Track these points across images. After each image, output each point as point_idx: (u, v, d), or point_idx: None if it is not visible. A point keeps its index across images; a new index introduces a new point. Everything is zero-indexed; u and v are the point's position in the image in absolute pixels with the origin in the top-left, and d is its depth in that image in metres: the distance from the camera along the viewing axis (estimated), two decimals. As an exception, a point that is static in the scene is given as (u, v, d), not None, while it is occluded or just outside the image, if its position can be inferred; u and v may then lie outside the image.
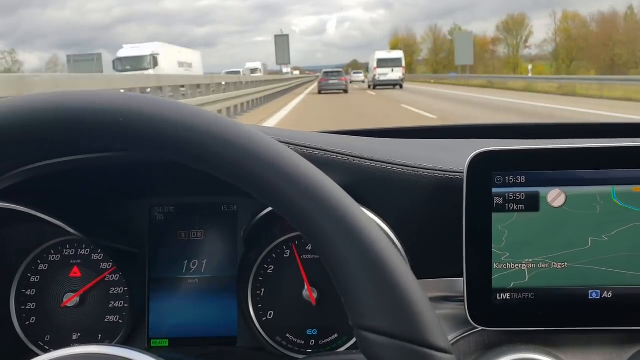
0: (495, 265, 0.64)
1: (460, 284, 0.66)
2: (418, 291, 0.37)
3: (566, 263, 0.64)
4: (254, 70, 70.34)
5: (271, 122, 12.08)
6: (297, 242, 0.80)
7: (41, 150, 0.60)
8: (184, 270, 0.81)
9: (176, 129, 0.38)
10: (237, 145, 0.38)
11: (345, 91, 29.96)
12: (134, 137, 0.39)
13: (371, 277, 0.36)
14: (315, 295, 0.77)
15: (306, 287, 0.77)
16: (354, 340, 0.78)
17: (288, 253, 0.79)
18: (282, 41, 72.05)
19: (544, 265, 0.64)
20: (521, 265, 0.64)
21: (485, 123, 1.09)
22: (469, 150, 0.64)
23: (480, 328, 0.65)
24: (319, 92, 29.48)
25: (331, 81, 30.57)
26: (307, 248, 0.79)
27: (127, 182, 0.79)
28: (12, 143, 0.38)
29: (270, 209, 0.71)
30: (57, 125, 0.38)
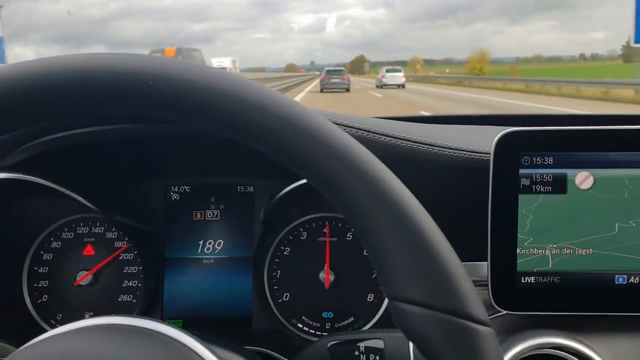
0: (518, 250, 0.63)
1: (483, 268, 0.65)
2: (457, 263, 0.36)
3: (591, 249, 0.63)
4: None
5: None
6: (313, 225, 0.79)
7: (61, 118, 0.59)
8: (199, 251, 0.80)
9: (220, 99, 0.37)
10: (277, 114, 0.37)
11: (347, 90, 30.11)
12: (164, 104, 0.37)
13: (409, 247, 0.35)
14: (331, 278, 0.76)
15: (325, 269, 0.76)
16: (370, 324, 0.77)
17: (305, 235, 0.79)
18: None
19: (568, 251, 0.63)
20: (545, 251, 0.63)
21: (511, 113, 1.08)
22: (496, 133, 0.62)
23: (504, 312, 0.64)
24: (321, 91, 29.61)
25: (333, 80, 30.73)
26: (324, 231, 0.79)
27: (143, 160, 0.78)
28: (30, 107, 0.37)
29: (287, 190, 0.70)
30: (76, 88, 0.36)
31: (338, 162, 0.36)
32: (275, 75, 35.06)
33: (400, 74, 35.95)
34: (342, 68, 36.44)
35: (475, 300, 0.35)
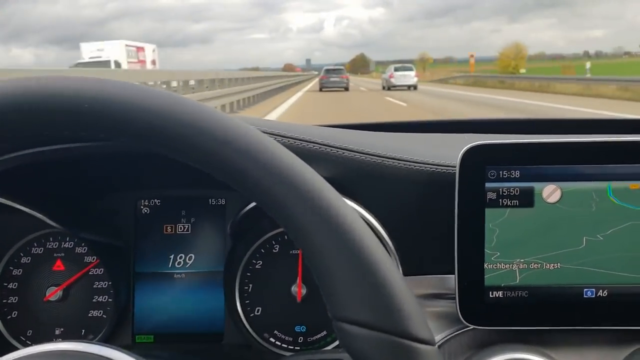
0: (485, 265, 0.63)
1: (451, 281, 0.64)
2: (399, 282, 0.35)
3: (559, 264, 0.63)
4: (101, 63, 32.34)
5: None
6: (285, 237, 0.78)
7: (18, 139, 0.58)
8: (170, 265, 0.79)
9: (148, 116, 0.36)
10: (212, 133, 0.37)
11: (346, 89, 30.24)
12: (101, 125, 0.37)
13: (350, 268, 0.35)
14: (304, 291, 0.75)
15: (297, 282, 0.75)
16: None
17: (277, 248, 0.78)
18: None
19: (535, 265, 0.63)
20: (512, 266, 0.63)
21: (480, 118, 1.08)
22: (462, 144, 0.62)
23: (472, 327, 0.64)
24: (320, 90, 29.86)
25: (332, 79, 30.89)
26: (296, 243, 0.78)
27: (111, 174, 0.77)
28: None
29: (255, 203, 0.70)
30: (17, 113, 0.36)
31: (276, 180, 0.36)
32: (268, 75, 31.03)
33: (412, 73, 31.70)
34: (342, 67, 36.23)
35: (418, 319, 0.35)
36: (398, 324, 0.34)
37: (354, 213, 0.37)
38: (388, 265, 0.35)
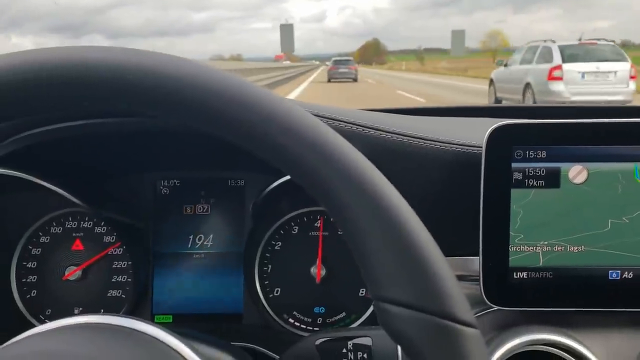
0: (509, 247, 0.62)
1: (475, 262, 0.64)
2: (443, 263, 0.35)
3: (583, 246, 0.62)
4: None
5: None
6: (305, 219, 0.78)
7: (45, 112, 0.58)
8: (189, 245, 0.79)
9: (193, 91, 0.36)
10: (257, 109, 0.36)
11: (355, 80, 29.98)
12: (143, 99, 0.36)
13: (394, 247, 0.34)
14: (323, 273, 0.75)
15: (317, 264, 0.75)
16: (361, 319, 0.76)
17: (296, 229, 0.78)
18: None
19: (559, 248, 0.62)
20: (535, 248, 0.62)
21: (507, 105, 1.07)
22: (488, 126, 0.61)
23: (495, 307, 0.64)
24: (329, 81, 29.60)
25: (341, 70, 30.76)
26: (315, 225, 0.78)
27: (132, 154, 0.77)
28: (6, 101, 0.36)
29: (277, 184, 0.69)
30: (54, 82, 0.35)
31: (321, 159, 0.35)
32: (249, 67, 22.20)
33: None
34: (350, 58, 35.84)
35: (460, 301, 0.35)
36: (441, 305, 0.34)
37: (397, 194, 0.36)
38: (432, 246, 0.35)
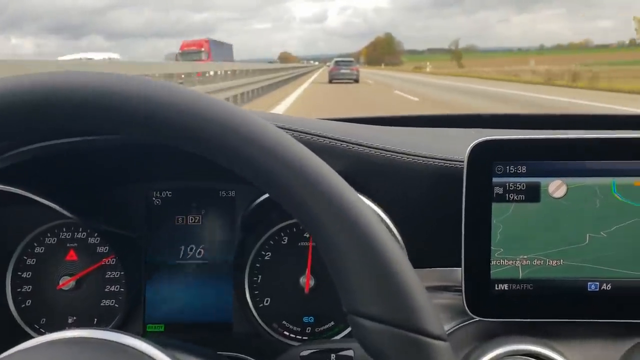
0: (490, 261, 0.64)
1: (458, 273, 0.65)
2: (413, 278, 0.36)
3: (562, 260, 0.64)
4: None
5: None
6: (294, 229, 0.79)
7: (35, 132, 0.59)
8: (180, 256, 0.80)
9: (169, 112, 0.37)
10: (230, 127, 0.37)
11: (356, 81, 29.92)
12: (121, 120, 0.38)
13: (366, 263, 0.36)
14: (312, 283, 0.77)
15: (306, 273, 0.76)
16: (349, 328, 0.77)
17: (286, 240, 0.79)
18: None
19: (538, 262, 0.64)
20: (515, 262, 0.64)
21: (488, 113, 1.08)
22: (470, 139, 0.63)
23: (477, 318, 0.65)
24: (330, 82, 29.51)
25: (342, 70, 30.68)
26: (305, 235, 0.79)
27: (124, 165, 0.79)
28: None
29: (267, 195, 0.71)
30: (41, 107, 0.37)
31: (293, 175, 0.37)
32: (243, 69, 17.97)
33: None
34: (351, 59, 35.70)
35: (430, 314, 0.36)
36: (411, 319, 0.35)
37: (367, 208, 0.37)
38: (401, 260, 0.36)
